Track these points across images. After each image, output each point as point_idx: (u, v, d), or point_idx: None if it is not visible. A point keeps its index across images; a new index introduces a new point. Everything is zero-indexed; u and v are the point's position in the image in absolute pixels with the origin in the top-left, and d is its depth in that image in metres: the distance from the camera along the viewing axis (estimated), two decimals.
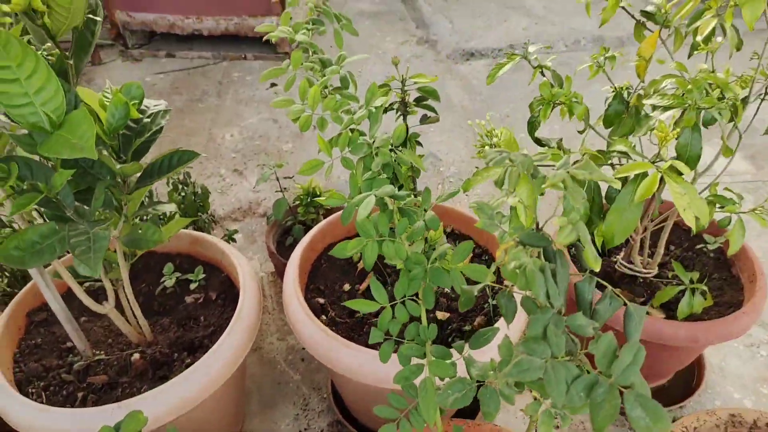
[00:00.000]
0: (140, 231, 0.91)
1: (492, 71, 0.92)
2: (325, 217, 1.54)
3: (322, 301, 1.18)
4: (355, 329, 1.12)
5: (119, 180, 0.88)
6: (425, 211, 0.76)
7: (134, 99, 0.87)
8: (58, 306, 1.00)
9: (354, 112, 0.98)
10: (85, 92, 0.88)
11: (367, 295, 1.21)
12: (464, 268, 0.66)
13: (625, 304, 0.55)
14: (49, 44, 0.83)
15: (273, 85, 2.66)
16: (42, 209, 0.84)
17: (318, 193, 1.48)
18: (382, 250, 0.72)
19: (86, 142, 0.67)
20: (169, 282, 1.21)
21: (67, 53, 0.84)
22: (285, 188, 1.47)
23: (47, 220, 0.84)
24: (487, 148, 0.74)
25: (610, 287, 0.52)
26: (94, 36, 0.85)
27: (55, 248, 0.81)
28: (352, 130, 0.94)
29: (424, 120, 1.13)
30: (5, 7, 0.68)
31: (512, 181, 0.49)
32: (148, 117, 0.91)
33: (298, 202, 1.50)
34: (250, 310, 1.09)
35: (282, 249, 1.56)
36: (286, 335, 1.53)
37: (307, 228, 1.54)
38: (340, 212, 1.33)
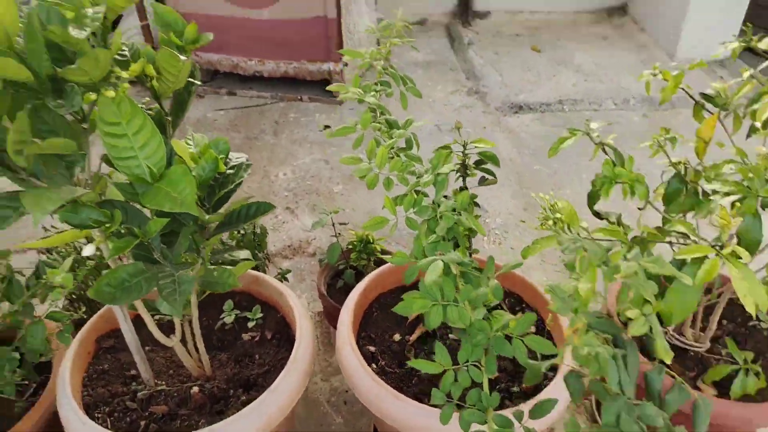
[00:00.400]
0: (216, 274, 0.97)
1: (554, 144, 0.97)
2: (376, 264, 1.59)
3: (372, 349, 1.22)
4: (404, 380, 1.15)
5: (200, 226, 0.96)
6: (488, 278, 0.80)
7: (221, 153, 0.95)
8: (131, 337, 1.07)
9: (419, 174, 1.04)
10: (177, 145, 0.96)
11: (417, 346, 1.24)
12: (528, 339, 0.69)
13: (688, 384, 0.57)
14: (147, 98, 0.93)
15: (326, 127, 2.77)
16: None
17: (371, 241, 1.53)
18: (447, 314, 0.76)
19: (186, 197, 0.74)
20: (228, 318, 1.28)
21: (166, 110, 0.92)
22: (339, 233, 1.53)
23: (130, 259, 0.91)
24: (551, 222, 0.78)
25: (680, 379, 0.54)
26: (190, 95, 0.94)
27: (142, 286, 0.88)
28: (416, 192, 1.00)
29: (483, 182, 1.18)
30: (124, 74, 0.76)
31: (584, 268, 0.53)
32: (231, 169, 0.98)
33: (351, 248, 1.56)
34: (305, 354, 1.13)
35: (332, 291, 1.61)
36: (330, 377, 1.57)
37: (358, 273, 1.60)
38: (391, 265, 1.38)
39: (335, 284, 1.63)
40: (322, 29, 2.73)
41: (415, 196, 0.96)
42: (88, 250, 0.82)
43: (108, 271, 0.88)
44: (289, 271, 1.63)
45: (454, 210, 0.90)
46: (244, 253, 1.00)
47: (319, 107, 2.94)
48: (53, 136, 0.81)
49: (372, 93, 1.18)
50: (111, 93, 0.74)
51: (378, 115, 1.16)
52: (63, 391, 1.08)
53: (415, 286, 1.39)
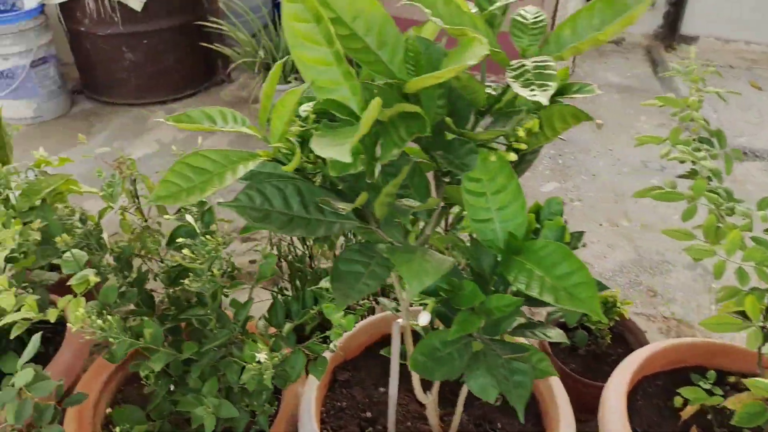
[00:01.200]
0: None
1: None
2: (612, 330, 1.40)
3: None
4: None
5: None
6: None
7: (554, 215, 0.81)
8: (394, 391, 0.98)
9: None
10: None
11: None
12: None
13: None
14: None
15: None
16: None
17: (616, 305, 1.35)
18: None
19: (582, 293, 0.59)
20: None
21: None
22: None
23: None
24: None
25: None
26: (540, 149, 0.82)
27: (455, 360, 0.77)
28: None
29: None
30: (521, 132, 0.64)
31: None
32: None
33: None
34: None
35: (555, 350, 1.44)
36: None
37: (591, 335, 1.42)
38: (665, 343, 1.18)
39: (558, 342, 1.46)
40: None
41: None
42: (423, 319, 0.72)
43: (422, 339, 0.78)
44: None
45: None
46: (556, 333, 0.86)
47: None
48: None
49: (701, 154, 1.00)
50: (512, 156, 0.62)
51: (710, 181, 0.98)
52: (309, 427, 1.02)
53: (681, 373, 1.18)
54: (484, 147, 0.64)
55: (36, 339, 0.84)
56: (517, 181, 0.69)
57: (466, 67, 0.49)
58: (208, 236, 0.94)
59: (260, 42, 2.65)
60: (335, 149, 0.44)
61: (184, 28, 2.77)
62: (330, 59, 0.56)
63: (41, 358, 1.25)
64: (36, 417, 0.74)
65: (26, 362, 0.93)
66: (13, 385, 0.73)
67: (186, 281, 0.91)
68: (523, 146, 0.64)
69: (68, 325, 1.27)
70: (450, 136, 0.67)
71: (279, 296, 1.08)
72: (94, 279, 0.89)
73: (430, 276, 0.60)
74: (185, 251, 0.87)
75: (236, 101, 2.97)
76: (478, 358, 0.78)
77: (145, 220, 1.43)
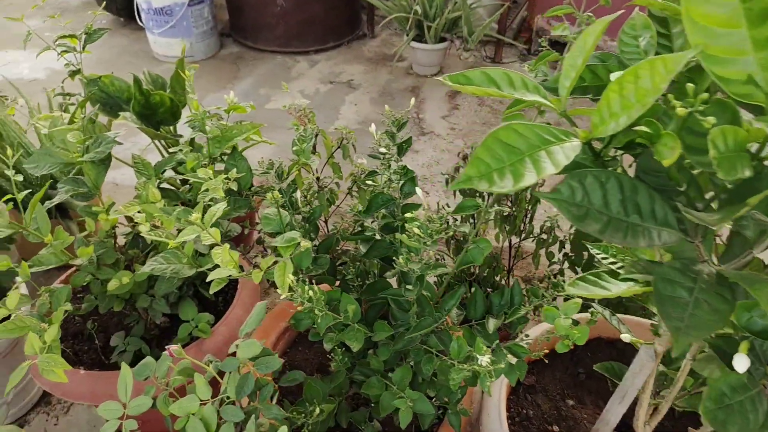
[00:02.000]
0: None
1: None
2: None
3: None
4: None
5: None
6: None
7: None
8: (615, 419, 0.84)
9: None
10: None
11: None
12: None
13: None
14: None
15: None
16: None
17: None
18: None
19: None
20: None
21: None
22: None
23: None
24: None
25: None
26: None
27: (747, 413, 0.63)
28: None
29: None
30: None
31: None
32: None
33: None
34: None
35: None
36: None
37: None
38: None
39: None
40: None
41: None
42: (742, 365, 0.57)
43: (711, 383, 0.63)
44: None
45: None
46: None
47: None
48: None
49: None
50: None
51: None
52: None
53: None
54: None
55: (262, 306, 0.78)
56: None
57: None
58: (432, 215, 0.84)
59: None
60: None
61: None
62: (738, 20, 0.42)
63: (211, 308, 1.24)
64: (252, 394, 0.68)
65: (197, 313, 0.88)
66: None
67: (400, 260, 0.82)
68: None
69: (240, 279, 1.25)
70: None
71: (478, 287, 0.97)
72: (306, 244, 0.81)
73: None
74: (414, 228, 0.77)
75: (378, 58, 2.86)
76: None
77: (318, 179, 1.37)
